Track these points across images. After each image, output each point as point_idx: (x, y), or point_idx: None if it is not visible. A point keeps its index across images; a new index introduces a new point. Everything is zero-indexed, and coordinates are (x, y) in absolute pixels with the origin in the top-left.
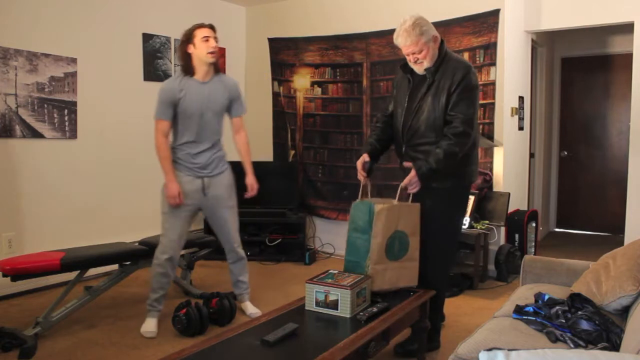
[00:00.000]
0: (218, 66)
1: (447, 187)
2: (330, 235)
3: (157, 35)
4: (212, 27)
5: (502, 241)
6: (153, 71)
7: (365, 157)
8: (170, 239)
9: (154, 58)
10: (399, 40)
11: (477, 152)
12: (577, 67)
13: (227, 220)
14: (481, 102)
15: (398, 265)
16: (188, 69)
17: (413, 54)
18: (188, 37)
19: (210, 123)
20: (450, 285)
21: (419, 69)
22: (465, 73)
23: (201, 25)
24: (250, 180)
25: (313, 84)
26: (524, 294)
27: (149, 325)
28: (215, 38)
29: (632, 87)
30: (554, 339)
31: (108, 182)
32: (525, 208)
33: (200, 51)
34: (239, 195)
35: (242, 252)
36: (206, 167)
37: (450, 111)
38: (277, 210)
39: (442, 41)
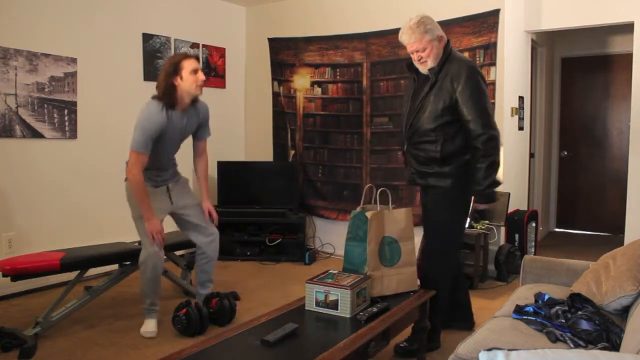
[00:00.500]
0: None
1: (446, 185)
2: (330, 235)
3: (157, 35)
4: (197, 58)
5: (502, 241)
6: (153, 71)
7: None
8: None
9: (154, 58)
10: (403, 37)
11: None
12: (577, 67)
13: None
14: None
15: (395, 272)
16: (171, 100)
17: (417, 52)
18: (175, 69)
19: (176, 149)
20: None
21: (423, 69)
22: (468, 73)
23: (187, 56)
24: (208, 205)
25: (313, 84)
26: (524, 294)
27: (149, 326)
28: (201, 70)
29: (632, 87)
30: (554, 339)
31: (108, 182)
32: (525, 208)
33: (189, 85)
34: (240, 196)
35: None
36: (167, 179)
37: (464, 117)
38: (277, 210)
39: (448, 41)
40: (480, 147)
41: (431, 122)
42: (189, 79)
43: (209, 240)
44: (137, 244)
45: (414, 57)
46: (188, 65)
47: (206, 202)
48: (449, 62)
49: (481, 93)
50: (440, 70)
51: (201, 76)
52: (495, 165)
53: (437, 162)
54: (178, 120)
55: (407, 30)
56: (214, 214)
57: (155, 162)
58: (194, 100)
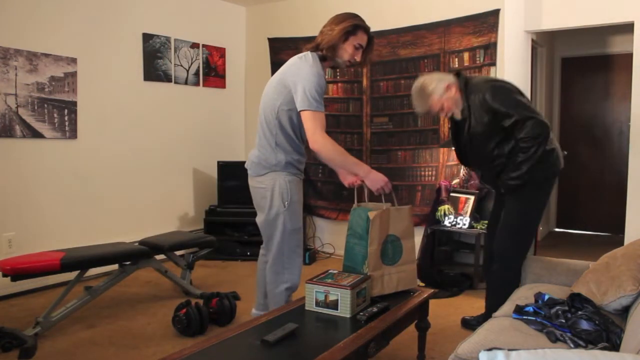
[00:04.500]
0: None
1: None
2: (330, 235)
3: (157, 35)
4: (370, 36)
5: None
6: (153, 71)
7: None
8: (300, 265)
9: (154, 58)
10: (418, 109)
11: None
12: (577, 67)
13: None
14: None
15: (395, 270)
16: (332, 56)
17: (439, 113)
18: (349, 31)
19: None
20: (450, 285)
21: (456, 116)
22: (488, 87)
23: (365, 29)
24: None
25: None
26: (524, 294)
27: None
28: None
29: (632, 87)
30: (554, 339)
31: (108, 182)
32: None
33: (343, 54)
34: (240, 196)
35: None
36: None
37: (509, 120)
38: None
39: (459, 74)
40: (524, 136)
41: (489, 146)
42: (349, 50)
43: None
44: (137, 244)
45: (442, 115)
46: (360, 38)
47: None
48: (470, 95)
49: (507, 93)
50: (468, 107)
51: (359, 57)
52: (533, 159)
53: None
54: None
55: (415, 102)
56: None
57: (301, 139)
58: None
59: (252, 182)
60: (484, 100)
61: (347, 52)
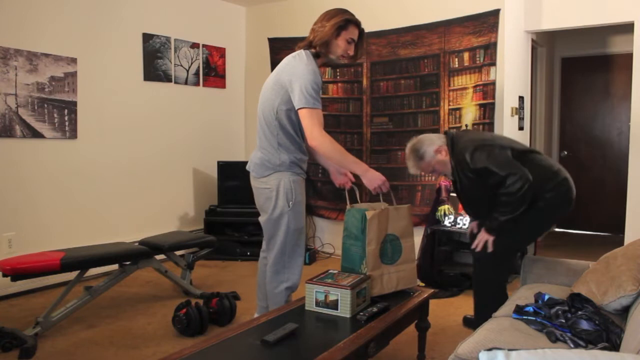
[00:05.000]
0: None
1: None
2: (330, 235)
3: (157, 35)
4: (361, 30)
5: None
6: (153, 71)
7: None
8: (300, 265)
9: (154, 58)
10: (410, 170)
11: (543, 173)
12: (577, 67)
13: None
14: (481, 102)
15: (395, 269)
16: (325, 51)
17: (432, 173)
18: (341, 26)
19: None
20: (450, 285)
21: (448, 177)
22: (463, 157)
23: (355, 23)
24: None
25: None
26: (524, 294)
27: None
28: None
29: (632, 87)
30: (554, 339)
31: (108, 182)
32: None
33: (336, 49)
34: (240, 196)
35: None
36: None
37: (495, 185)
38: None
39: (446, 134)
40: (503, 192)
41: (482, 201)
42: (341, 45)
43: None
44: (137, 244)
45: (434, 175)
46: (351, 32)
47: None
48: (455, 156)
49: (488, 152)
50: (454, 168)
51: (352, 51)
52: (511, 213)
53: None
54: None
55: (409, 163)
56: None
57: (302, 138)
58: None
59: (256, 183)
60: (465, 163)
61: (340, 47)
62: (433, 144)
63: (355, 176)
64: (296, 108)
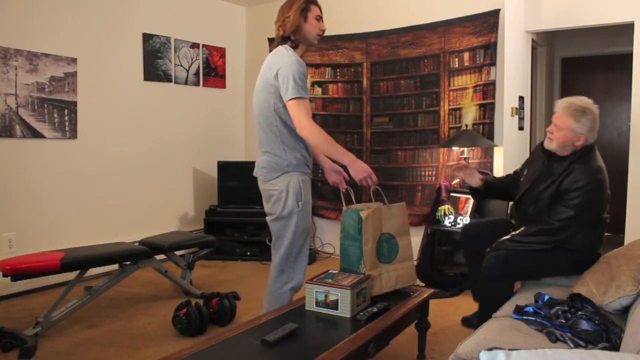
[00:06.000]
0: None
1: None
2: (330, 235)
3: (157, 35)
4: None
5: None
6: (153, 71)
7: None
8: (305, 265)
9: (154, 58)
10: (557, 110)
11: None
12: (577, 67)
13: None
14: (481, 102)
15: (393, 268)
16: (297, 40)
17: (552, 133)
18: (304, 8)
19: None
20: (450, 285)
21: (554, 149)
22: (589, 178)
23: (315, 1)
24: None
25: (313, 84)
26: (524, 294)
27: None
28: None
29: (632, 87)
30: (554, 339)
31: (108, 182)
32: None
33: (310, 29)
34: (240, 196)
35: None
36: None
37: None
38: None
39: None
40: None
41: (543, 207)
42: (312, 23)
43: None
44: (137, 244)
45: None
46: (315, 10)
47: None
48: (585, 165)
49: (595, 196)
50: (569, 168)
51: (323, 26)
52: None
53: None
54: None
55: (561, 106)
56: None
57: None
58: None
59: (264, 186)
60: (583, 179)
61: (313, 26)
62: (592, 130)
63: (352, 179)
64: (285, 100)
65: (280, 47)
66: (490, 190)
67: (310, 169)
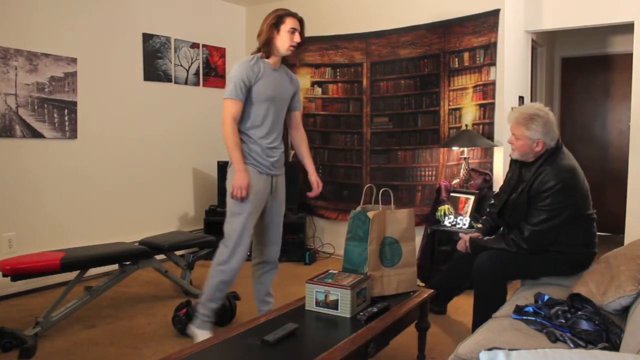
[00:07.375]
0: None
1: None
2: (330, 235)
3: (157, 35)
4: (301, 21)
5: None
6: (153, 71)
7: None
8: (247, 243)
9: (154, 58)
10: (508, 121)
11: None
12: (577, 67)
13: (280, 224)
14: (481, 102)
15: (395, 272)
16: (268, 50)
17: (511, 142)
18: (277, 21)
19: (282, 111)
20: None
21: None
22: (555, 179)
23: (291, 15)
24: (317, 178)
25: (313, 84)
26: (524, 294)
27: (205, 335)
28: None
29: (632, 87)
30: (554, 339)
31: (108, 182)
32: None
33: (282, 42)
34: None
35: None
36: (276, 166)
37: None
38: None
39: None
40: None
41: (521, 213)
42: (284, 36)
43: (267, 269)
44: (137, 244)
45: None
46: (289, 23)
47: (314, 174)
48: (553, 167)
49: (567, 195)
50: (536, 174)
51: (297, 38)
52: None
53: None
54: (273, 72)
55: (512, 116)
56: (320, 186)
57: (264, 124)
58: (288, 66)
59: (281, 179)
60: (550, 180)
61: (285, 39)
62: (547, 133)
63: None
64: None
65: (246, 57)
66: (492, 230)
67: (262, 165)
